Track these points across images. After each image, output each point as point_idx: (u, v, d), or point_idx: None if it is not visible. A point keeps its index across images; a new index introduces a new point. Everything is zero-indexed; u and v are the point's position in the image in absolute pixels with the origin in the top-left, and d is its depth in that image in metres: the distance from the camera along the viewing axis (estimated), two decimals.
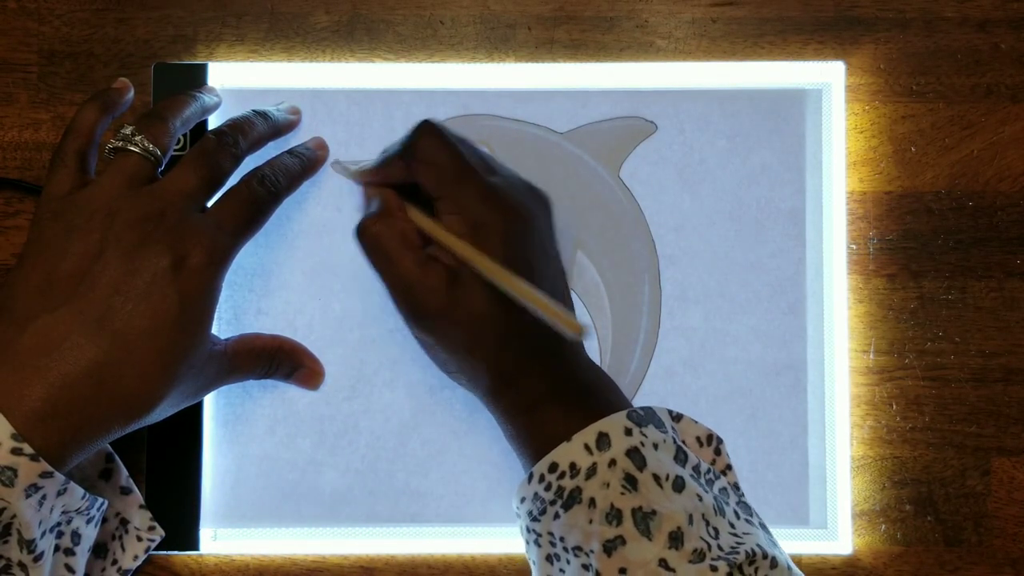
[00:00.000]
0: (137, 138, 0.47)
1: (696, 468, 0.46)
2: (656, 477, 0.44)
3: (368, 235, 0.49)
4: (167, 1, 0.56)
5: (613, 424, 0.45)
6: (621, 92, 0.55)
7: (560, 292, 0.50)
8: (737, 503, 0.47)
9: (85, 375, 0.44)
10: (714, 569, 0.42)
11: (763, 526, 0.47)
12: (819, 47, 0.56)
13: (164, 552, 0.53)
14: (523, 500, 0.47)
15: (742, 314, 0.55)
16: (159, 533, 0.51)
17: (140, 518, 0.51)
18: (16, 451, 0.42)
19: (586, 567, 0.44)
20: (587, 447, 0.45)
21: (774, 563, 0.44)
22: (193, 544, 0.53)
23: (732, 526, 0.45)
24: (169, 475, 0.53)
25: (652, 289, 0.55)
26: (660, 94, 0.55)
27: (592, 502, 0.44)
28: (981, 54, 0.56)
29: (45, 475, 0.43)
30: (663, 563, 0.43)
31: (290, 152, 0.53)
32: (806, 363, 0.54)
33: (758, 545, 0.44)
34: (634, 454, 0.44)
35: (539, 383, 0.47)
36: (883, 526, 0.55)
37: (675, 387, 0.54)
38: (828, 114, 0.55)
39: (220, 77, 0.55)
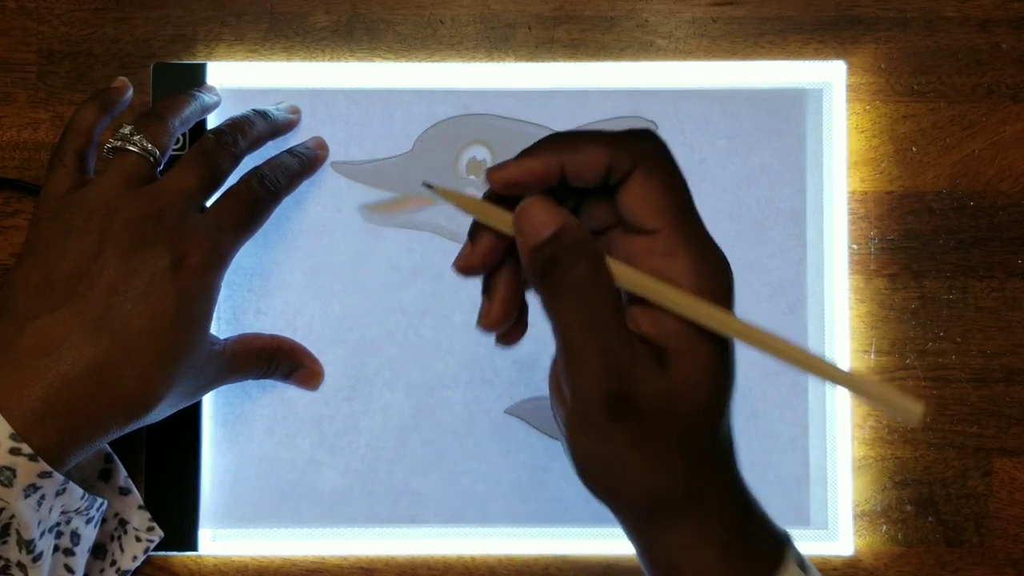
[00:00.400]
0: (136, 138, 0.47)
1: None
2: None
3: (570, 281, 0.34)
4: (166, 1, 0.56)
5: None
6: (621, 92, 0.55)
7: None
8: None
9: (84, 375, 0.44)
10: None
11: None
12: (820, 47, 0.56)
13: (163, 553, 0.53)
14: None
15: (742, 314, 0.54)
16: (158, 534, 0.51)
17: (139, 519, 0.51)
18: (14, 451, 0.42)
19: None
20: None
21: None
22: (192, 545, 0.53)
23: None
24: (168, 475, 0.53)
25: None
26: (660, 94, 0.55)
27: None
28: (982, 54, 0.56)
29: (44, 475, 0.43)
30: None
31: (290, 151, 0.52)
32: None
33: None
34: None
35: (713, 511, 0.36)
36: (884, 527, 0.55)
37: None
38: (829, 114, 0.55)
39: (219, 77, 0.55)
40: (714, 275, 0.35)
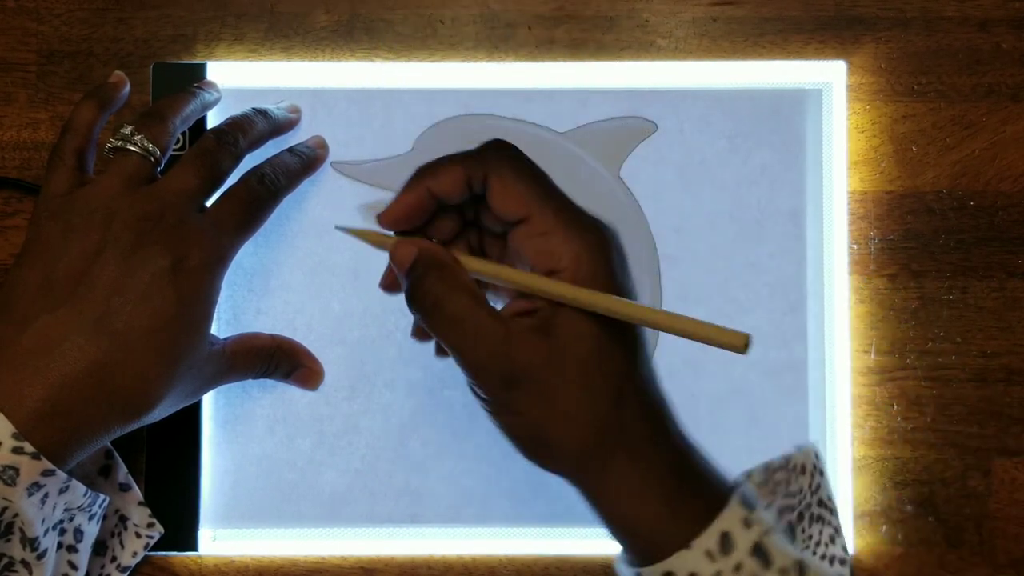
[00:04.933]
0: (136, 137, 0.47)
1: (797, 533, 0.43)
2: (784, 571, 0.38)
3: (424, 297, 0.40)
4: (166, 1, 0.56)
5: (732, 519, 0.38)
6: (621, 92, 0.55)
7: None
8: (832, 534, 0.43)
9: (85, 375, 0.44)
10: None
11: (844, 551, 0.44)
12: (820, 46, 0.56)
13: (163, 553, 0.53)
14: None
15: (743, 314, 0.55)
16: (158, 529, 0.51)
17: (139, 515, 0.51)
18: (17, 450, 0.42)
19: None
20: (709, 554, 0.38)
21: None
22: (192, 545, 0.53)
23: None
24: (168, 476, 0.53)
25: (653, 289, 0.55)
26: (660, 94, 0.55)
27: None
28: (982, 53, 0.56)
29: (47, 473, 0.43)
30: None
31: (290, 150, 0.52)
32: (806, 363, 0.54)
33: None
34: (758, 551, 0.38)
35: (645, 454, 0.39)
36: (884, 527, 0.55)
37: (675, 387, 0.54)
38: (829, 114, 0.55)
39: (219, 77, 0.55)
40: (588, 240, 0.39)
